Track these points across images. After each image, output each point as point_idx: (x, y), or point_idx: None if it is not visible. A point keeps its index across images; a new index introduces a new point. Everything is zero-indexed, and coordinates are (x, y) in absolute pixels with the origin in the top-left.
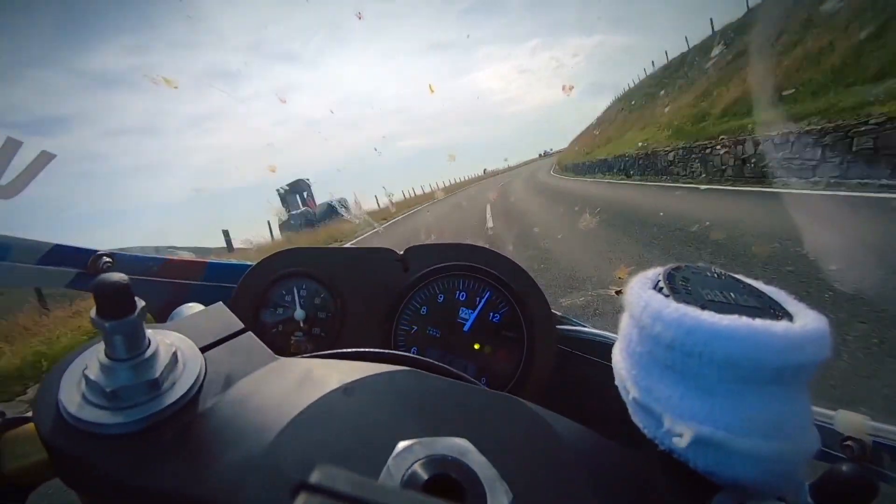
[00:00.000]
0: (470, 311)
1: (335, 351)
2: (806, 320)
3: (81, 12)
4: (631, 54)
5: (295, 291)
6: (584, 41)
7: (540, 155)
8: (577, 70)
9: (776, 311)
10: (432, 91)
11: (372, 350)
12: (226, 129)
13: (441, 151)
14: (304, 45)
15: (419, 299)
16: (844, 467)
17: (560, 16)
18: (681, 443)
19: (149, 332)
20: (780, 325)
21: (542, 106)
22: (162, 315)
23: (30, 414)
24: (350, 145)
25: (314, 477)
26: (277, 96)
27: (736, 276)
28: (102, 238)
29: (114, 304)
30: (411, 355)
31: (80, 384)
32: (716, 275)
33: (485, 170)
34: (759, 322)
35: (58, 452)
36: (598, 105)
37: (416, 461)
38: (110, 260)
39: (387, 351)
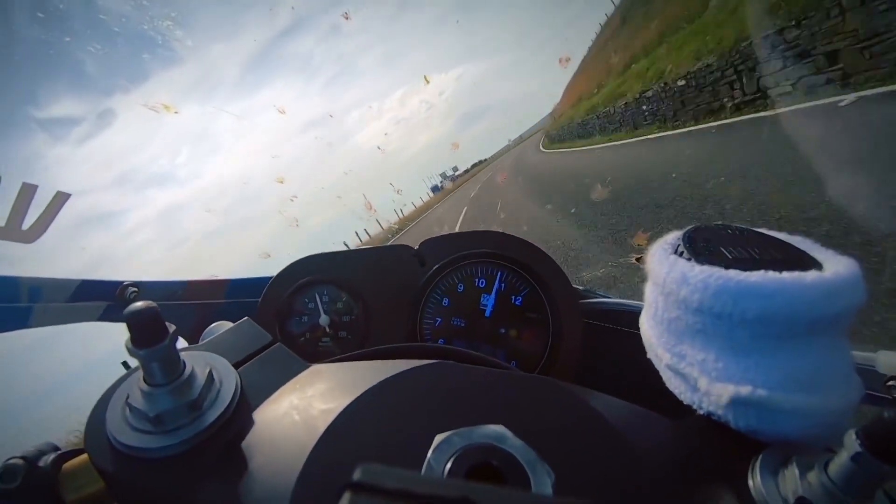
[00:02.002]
0: (491, 297)
1: (364, 350)
2: (837, 267)
3: None
4: (492, 74)
5: (317, 298)
6: (445, 76)
7: (432, 189)
8: (449, 104)
9: (804, 261)
10: (427, 82)
11: (400, 346)
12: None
13: (349, 217)
14: (172, 161)
15: (439, 291)
16: (893, 411)
17: (414, 61)
18: (719, 405)
19: (183, 354)
20: (810, 276)
21: (429, 143)
22: (193, 336)
23: (82, 447)
24: (255, 242)
25: (357, 475)
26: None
27: (758, 229)
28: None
29: (147, 332)
30: (439, 346)
31: (124, 412)
32: (737, 231)
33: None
34: (787, 275)
35: (113, 480)
36: (468, 134)
37: (455, 452)
38: (136, 289)
39: (415, 345)
